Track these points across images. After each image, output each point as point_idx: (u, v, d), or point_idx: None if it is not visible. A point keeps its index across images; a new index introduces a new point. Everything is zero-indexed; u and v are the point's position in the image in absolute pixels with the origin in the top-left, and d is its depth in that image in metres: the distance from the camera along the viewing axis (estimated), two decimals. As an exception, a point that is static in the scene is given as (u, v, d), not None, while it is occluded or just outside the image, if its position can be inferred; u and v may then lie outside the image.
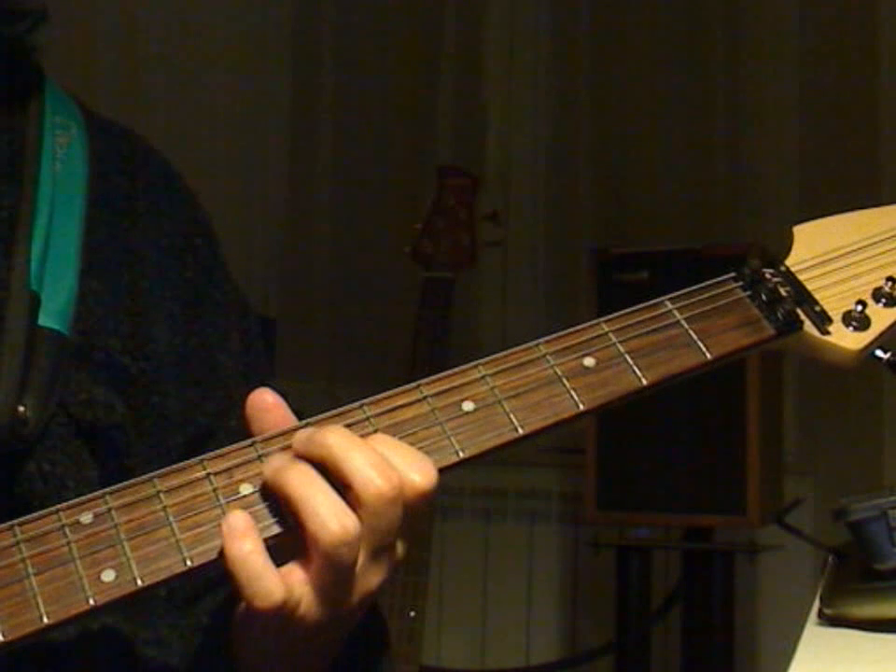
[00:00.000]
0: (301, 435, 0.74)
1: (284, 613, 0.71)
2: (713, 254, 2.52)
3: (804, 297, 0.84)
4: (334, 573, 0.71)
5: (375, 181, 3.43)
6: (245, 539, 0.70)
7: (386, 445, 0.73)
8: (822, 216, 0.88)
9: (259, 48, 3.54)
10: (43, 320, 0.85)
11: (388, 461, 0.72)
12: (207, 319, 0.98)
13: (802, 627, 0.92)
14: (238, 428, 0.97)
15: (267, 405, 0.77)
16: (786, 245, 0.86)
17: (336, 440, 0.72)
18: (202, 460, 0.74)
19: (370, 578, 0.73)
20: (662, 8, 3.32)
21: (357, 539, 0.70)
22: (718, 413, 2.51)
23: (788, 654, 0.84)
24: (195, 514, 0.72)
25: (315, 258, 3.51)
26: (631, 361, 0.79)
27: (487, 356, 0.80)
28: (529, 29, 3.46)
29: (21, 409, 0.82)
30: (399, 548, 0.74)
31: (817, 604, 0.94)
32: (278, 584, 0.70)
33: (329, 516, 0.70)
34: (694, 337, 0.81)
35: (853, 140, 3.13)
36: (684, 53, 3.32)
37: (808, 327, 0.83)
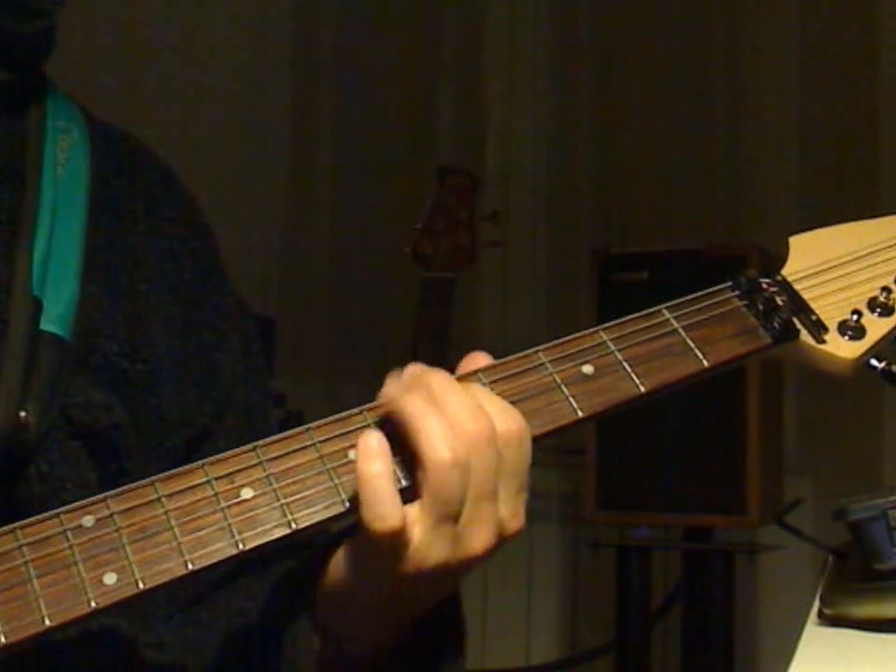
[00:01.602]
0: (412, 371, 0.76)
1: (395, 544, 0.72)
2: (713, 254, 2.52)
3: (800, 306, 0.85)
4: (444, 503, 0.72)
5: (375, 181, 3.43)
6: (375, 461, 0.73)
7: (482, 395, 0.76)
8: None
9: (259, 48, 3.54)
10: (44, 325, 0.86)
11: (481, 407, 0.74)
12: (206, 321, 0.98)
13: (802, 627, 0.92)
14: (234, 426, 0.97)
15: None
16: (782, 255, 0.87)
17: (437, 380, 0.75)
18: (203, 464, 0.75)
19: (475, 530, 0.74)
20: (662, 9, 3.32)
21: (467, 468, 0.72)
22: (718, 413, 2.51)
23: (788, 654, 0.84)
24: (196, 518, 0.73)
25: (315, 258, 3.51)
26: (629, 369, 0.80)
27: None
28: (529, 29, 3.46)
29: (23, 415, 0.82)
30: (503, 508, 0.75)
31: (817, 604, 0.94)
32: (398, 510, 0.72)
33: (440, 440, 0.72)
34: (692, 345, 0.82)
35: (853, 140, 3.13)
36: (684, 54, 3.32)
37: (804, 336, 0.84)
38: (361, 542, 0.75)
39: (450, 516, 0.73)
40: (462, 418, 0.73)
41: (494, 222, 2.71)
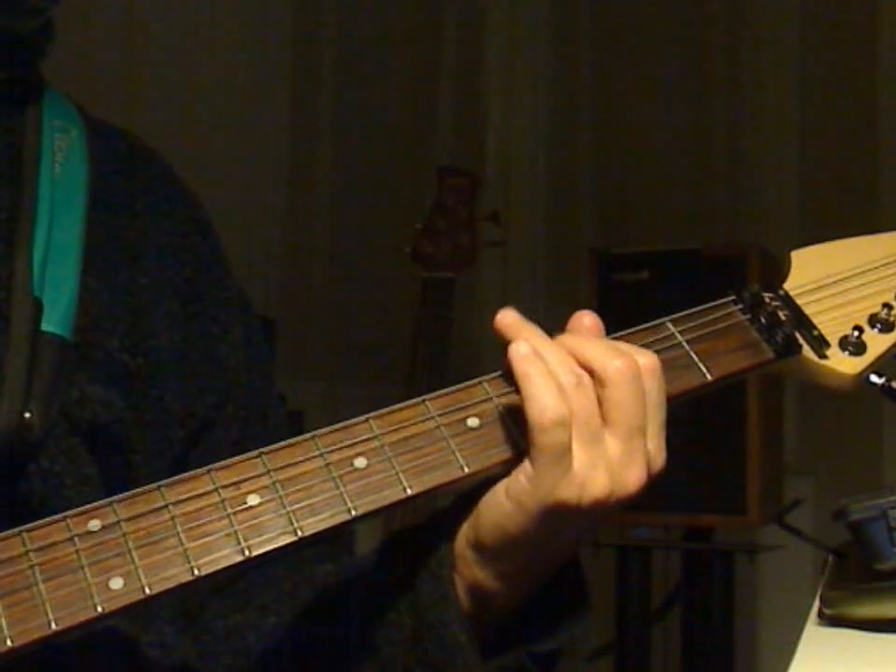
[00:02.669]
0: (536, 336, 0.78)
1: (559, 454, 0.74)
2: (713, 254, 2.52)
3: (802, 321, 0.85)
4: (553, 460, 0.74)
5: (375, 181, 3.43)
6: (530, 364, 0.76)
7: (613, 341, 0.79)
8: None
9: (260, 48, 3.54)
10: (45, 325, 0.86)
11: (619, 347, 0.77)
12: (207, 314, 0.99)
13: (802, 627, 0.92)
14: (236, 416, 0.97)
15: (587, 325, 0.81)
16: (784, 269, 0.87)
17: (570, 336, 0.79)
18: (209, 470, 0.75)
19: (629, 464, 0.77)
20: (662, 10, 3.32)
21: (569, 423, 0.74)
22: (718, 413, 2.51)
23: (788, 654, 0.84)
24: (203, 524, 0.73)
25: (315, 258, 3.51)
26: None
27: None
28: (529, 29, 3.46)
29: (28, 415, 0.82)
30: (650, 444, 0.78)
31: (817, 604, 0.94)
32: (561, 402, 0.74)
33: (545, 397, 0.75)
34: (695, 358, 0.83)
35: (852, 140, 3.13)
36: (684, 54, 3.32)
37: (806, 350, 0.85)
38: (526, 471, 0.76)
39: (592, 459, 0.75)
40: (606, 357, 0.76)
41: (494, 222, 2.71)
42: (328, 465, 0.76)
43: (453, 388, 0.80)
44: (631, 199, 3.33)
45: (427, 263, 2.61)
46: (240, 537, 0.72)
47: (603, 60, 3.39)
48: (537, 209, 3.41)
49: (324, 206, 3.53)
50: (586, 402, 0.75)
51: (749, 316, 0.85)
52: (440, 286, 2.58)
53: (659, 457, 0.78)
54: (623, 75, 3.36)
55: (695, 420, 2.51)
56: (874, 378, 0.86)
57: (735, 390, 2.48)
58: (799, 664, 0.82)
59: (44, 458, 0.84)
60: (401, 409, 0.79)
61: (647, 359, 0.77)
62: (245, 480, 0.75)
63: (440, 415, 0.78)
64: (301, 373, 3.27)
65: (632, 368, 0.76)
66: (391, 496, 0.75)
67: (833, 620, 0.91)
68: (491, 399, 0.79)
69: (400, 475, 0.76)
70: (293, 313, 3.43)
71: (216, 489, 0.74)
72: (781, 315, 0.85)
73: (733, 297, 0.86)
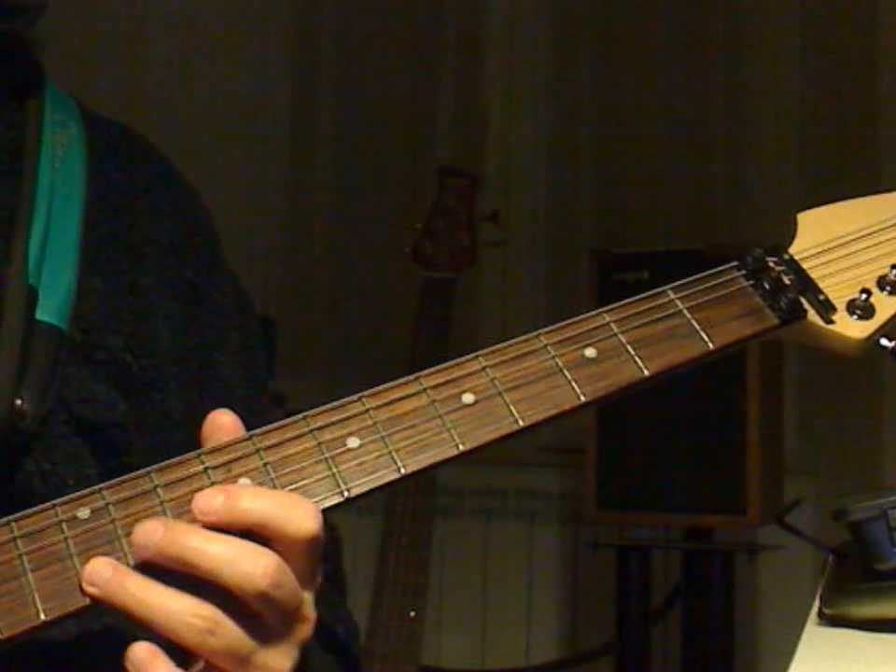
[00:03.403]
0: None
1: None
2: (713, 254, 2.51)
3: (807, 285, 0.82)
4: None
5: (375, 181, 3.43)
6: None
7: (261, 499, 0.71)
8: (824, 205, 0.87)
9: (260, 48, 3.54)
10: (40, 315, 0.85)
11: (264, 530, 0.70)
12: (206, 319, 0.98)
13: (802, 627, 0.91)
14: None
15: (222, 425, 0.75)
16: (789, 233, 0.85)
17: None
18: (199, 454, 0.74)
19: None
20: (662, 9, 3.32)
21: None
22: (718, 412, 2.51)
23: (788, 654, 0.84)
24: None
25: (315, 258, 3.51)
26: (633, 352, 0.78)
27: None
28: (529, 29, 3.46)
29: (19, 402, 0.82)
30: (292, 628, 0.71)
31: (817, 604, 0.94)
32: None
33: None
34: (697, 327, 0.80)
35: (853, 140, 3.13)
36: (684, 53, 3.32)
37: (812, 315, 0.81)
38: None
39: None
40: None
41: (494, 222, 2.71)
42: (320, 444, 0.74)
43: (447, 364, 0.78)
44: (631, 199, 3.32)
45: (427, 263, 2.61)
46: None
47: (603, 60, 3.39)
48: (537, 209, 3.41)
49: (324, 206, 3.53)
50: None
51: (752, 282, 0.81)
52: (440, 286, 2.58)
53: (305, 628, 0.71)
54: (623, 74, 3.35)
55: (695, 420, 2.52)
56: (884, 342, 0.82)
57: (734, 390, 2.48)
58: (799, 664, 0.82)
59: (45, 460, 0.84)
60: (395, 386, 0.77)
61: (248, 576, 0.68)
62: (236, 462, 0.73)
63: (434, 392, 0.76)
64: (301, 373, 3.27)
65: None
66: (385, 476, 0.74)
67: (833, 620, 0.91)
68: (486, 373, 0.77)
69: (394, 454, 0.74)
70: (293, 313, 3.43)
71: (206, 473, 0.73)
72: (786, 279, 0.81)
73: (735, 263, 0.83)
